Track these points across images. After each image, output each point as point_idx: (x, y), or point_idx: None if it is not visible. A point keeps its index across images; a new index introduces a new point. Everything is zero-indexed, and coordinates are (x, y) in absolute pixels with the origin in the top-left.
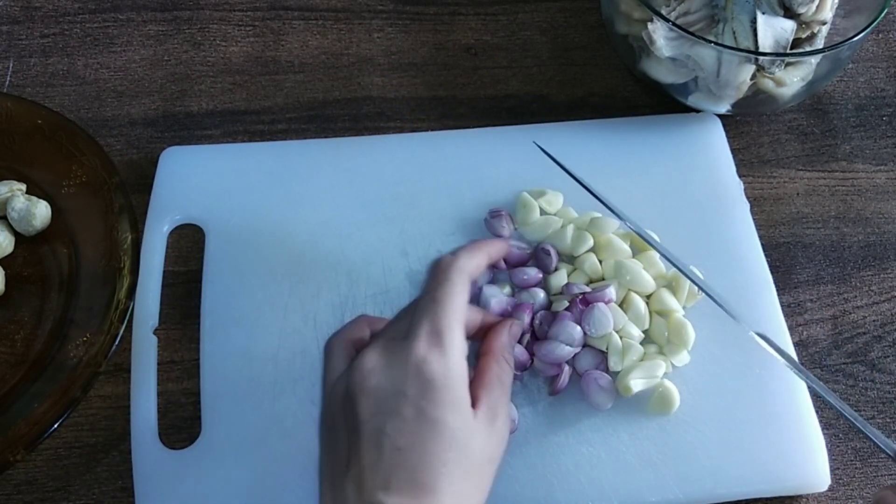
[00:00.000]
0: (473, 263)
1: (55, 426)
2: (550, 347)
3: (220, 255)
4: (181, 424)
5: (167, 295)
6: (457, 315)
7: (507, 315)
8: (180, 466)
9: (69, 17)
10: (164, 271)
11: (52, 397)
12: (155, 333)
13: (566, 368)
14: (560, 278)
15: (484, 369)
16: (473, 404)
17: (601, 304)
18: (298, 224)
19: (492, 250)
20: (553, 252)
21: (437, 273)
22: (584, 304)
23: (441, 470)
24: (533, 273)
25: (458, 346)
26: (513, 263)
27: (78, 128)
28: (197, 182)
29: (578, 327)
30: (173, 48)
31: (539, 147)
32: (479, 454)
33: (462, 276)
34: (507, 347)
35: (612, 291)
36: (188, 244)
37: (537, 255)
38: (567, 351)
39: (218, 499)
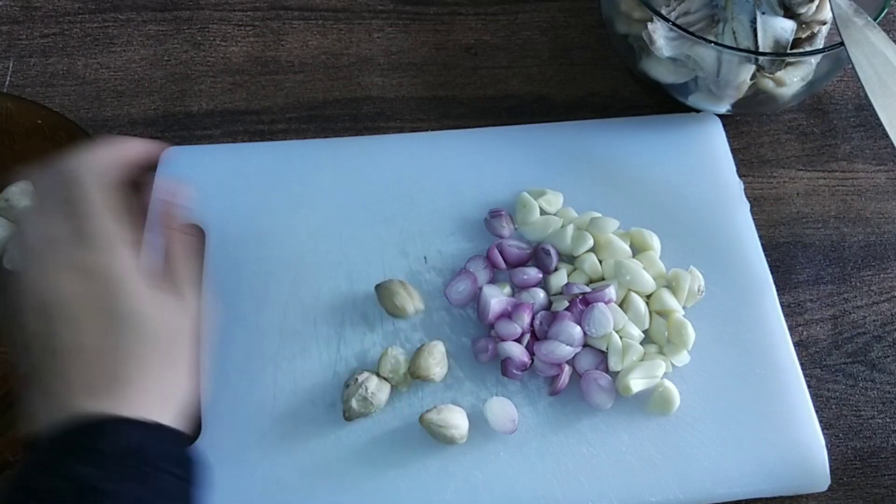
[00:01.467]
0: (102, 160)
1: None
2: (550, 347)
3: (221, 255)
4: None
5: None
6: (99, 209)
7: (506, 315)
8: None
9: (69, 17)
10: None
11: None
12: None
13: (566, 368)
14: (560, 278)
15: (164, 249)
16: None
17: (601, 304)
18: (298, 224)
19: (126, 147)
20: (553, 252)
21: (64, 177)
22: (583, 304)
23: (129, 359)
24: (533, 273)
25: (111, 237)
26: (513, 263)
27: (78, 128)
28: (197, 182)
29: (578, 327)
30: (173, 48)
31: None
32: (163, 331)
33: (89, 173)
34: (166, 215)
35: (611, 291)
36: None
37: (537, 255)
38: (567, 351)
39: (218, 499)
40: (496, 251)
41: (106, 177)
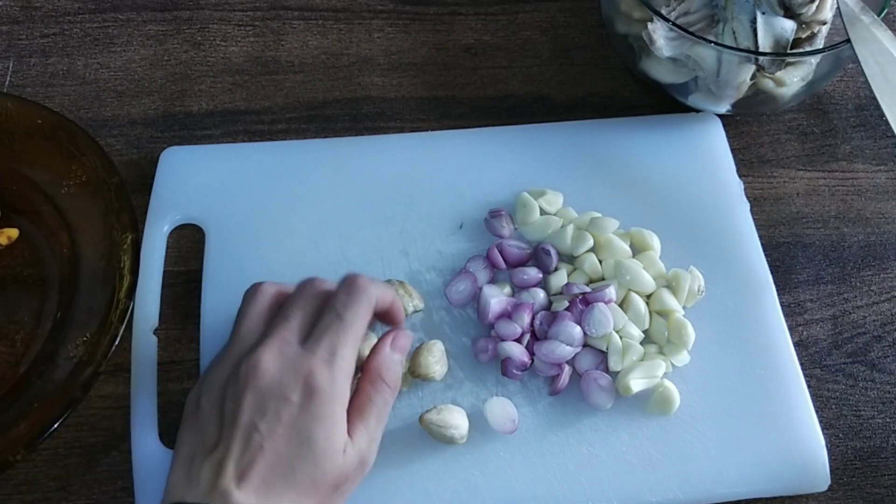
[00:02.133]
0: (383, 297)
1: (55, 426)
2: (550, 347)
3: (220, 255)
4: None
5: (167, 295)
6: (356, 339)
7: (506, 315)
8: None
9: (69, 17)
10: (164, 271)
11: (51, 397)
12: (155, 333)
13: (566, 368)
14: (560, 278)
15: (358, 390)
16: (348, 427)
17: (601, 304)
18: (298, 224)
19: (397, 304)
20: (553, 252)
21: (350, 291)
22: (584, 304)
23: (291, 478)
24: (533, 273)
25: (345, 369)
26: (513, 263)
27: (78, 128)
28: (197, 182)
29: (578, 327)
30: (173, 48)
31: None
32: (331, 475)
33: (371, 303)
34: (384, 366)
35: (611, 291)
36: (188, 244)
37: (537, 255)
38: (567, 351)
39: None
40: (496, 251)
41: (373, 311)
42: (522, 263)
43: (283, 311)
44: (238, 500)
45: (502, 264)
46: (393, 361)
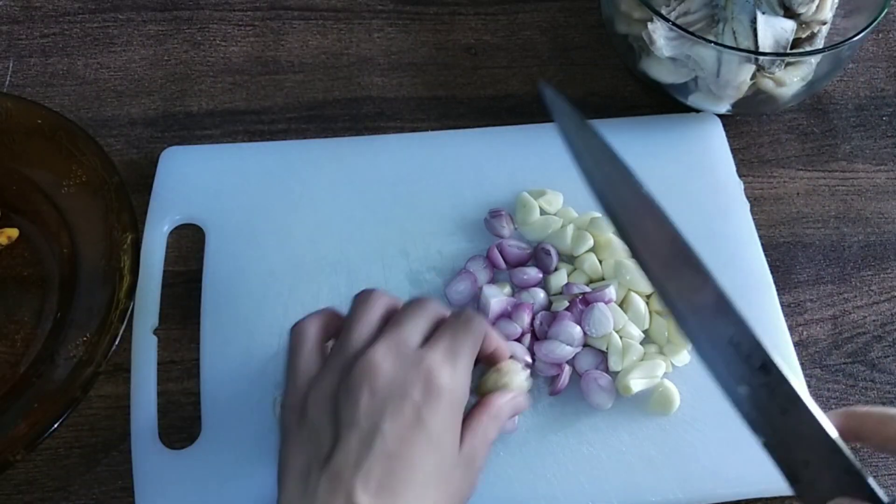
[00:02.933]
0: (490, 335)
1: (55, 426)
2: (550, 347)
3: (220, 255)
4: (181, 424)
5: (167, 295)
6: (475, 347)
7: (506, 315)
8: (180, 466)
9: (69, 17)
10: (164, 271)
11: (51, 397)
12: (155, 333)
13: (566, 368)
14: (560, 278)
15: (475, 416)
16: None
17: (601, 304)
18: (298, 224)
19: (502, 347)
20: (553, 252)
21: (464, 317)
22: (583, 303)
23: (419, 481)
24: (533, 273)
25: (466, 372)
26: (513, 263)
27: (78, 128)
28: (197, 182)
29: (578, 327)
30: (173, 48)
31: (545, 90)
32: (454, 483)
33: (481, 335)
34: (504, 411)
35: (612, 291)
36: (188, 244)
37: (537, 255)
38: (567, 351)
39: (218, 499)
40: (496, 251)
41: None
42: (522, 263)
43: (397, 318)
44: None
45: (502, 264)
46: (509, 413)
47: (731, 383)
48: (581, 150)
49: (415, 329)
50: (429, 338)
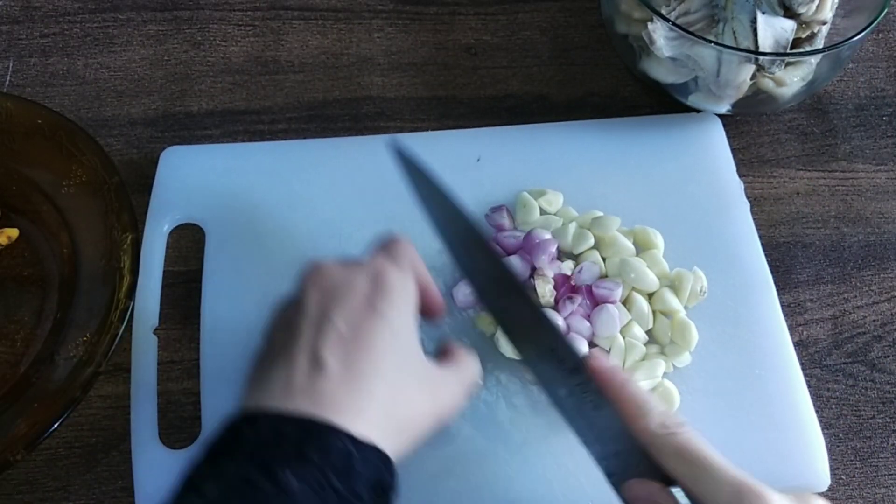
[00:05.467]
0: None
1: (55, 426)
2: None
3: (220, 255)
4: (181, 424)
5: (167, 295)
6: (414, 262)
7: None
8: (180, 466)
9: (69, 17)
10: (164, 271)
11: (51, 397)
12: (155, 333)
13: None
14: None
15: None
16: (444, 354)
17: (610, 306)
18: (298, 224)
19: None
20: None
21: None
22: (590, 298)
23: (382, 368)
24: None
25: (412, 279)
26: (511, 253)
27: (78, 128)
28: (197, 182)
29: (587, 323)
30: (173, 48)
31: (396, 151)
32: (431, 386)
33: (413, 250)
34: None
35: (619, 291)
36: (188, 244)
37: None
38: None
39: None
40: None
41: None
42: (514, 252)
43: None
44: (322, 389)
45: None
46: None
47: (553, 386)
48: (428, 201)
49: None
50: None
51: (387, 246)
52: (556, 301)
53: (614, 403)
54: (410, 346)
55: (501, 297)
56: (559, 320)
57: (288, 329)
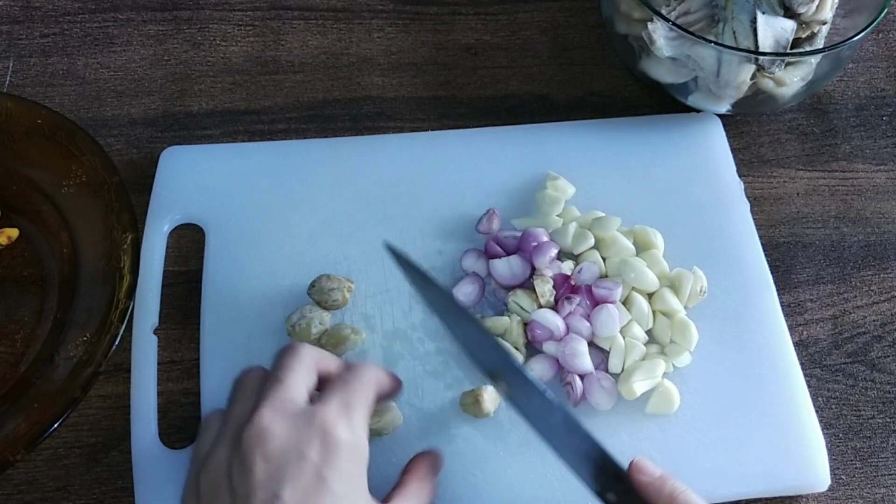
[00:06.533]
0: (383, 380)
1: (55, 426)
2: (574, 349)
3: (220, 254)
4: (181, 424)
5: (167, 295)
6: (370, 395)
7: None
8: (180, 466)
9: (69, 17)
10: (164, 271)
11: (51, 397)
12: (155, 333)
13: (578, 383)
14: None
15: (407, 482)
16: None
17: (610, 306)
18: (298, 223)
19: (395, 386)
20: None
21: (351, 366)
22: (590, 298)
23: None
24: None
25: (363, 423)
26: (510, 251)
27: (78, 128)
28: (197, 181)
29: (587, 322)
30: (173, 48)
31: (389, 248)
32: None
33: (373, 383)
34: (432, 474)
35: (619, 291)
36: (188, 244)
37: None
38: (587, 364)
39: None
40: (493, 243)
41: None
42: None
43: (274, 374)
44: None
45: (502, 254)
46: (435, 475)
47: (600, 491)
48: (425, 293)
49: (297, 383)
50: (319, 388)
51: (343, 380)
52: (556, 301)
53: None
54: None
55: (518, 392)
56: (559, 321)
57: (232, 500)
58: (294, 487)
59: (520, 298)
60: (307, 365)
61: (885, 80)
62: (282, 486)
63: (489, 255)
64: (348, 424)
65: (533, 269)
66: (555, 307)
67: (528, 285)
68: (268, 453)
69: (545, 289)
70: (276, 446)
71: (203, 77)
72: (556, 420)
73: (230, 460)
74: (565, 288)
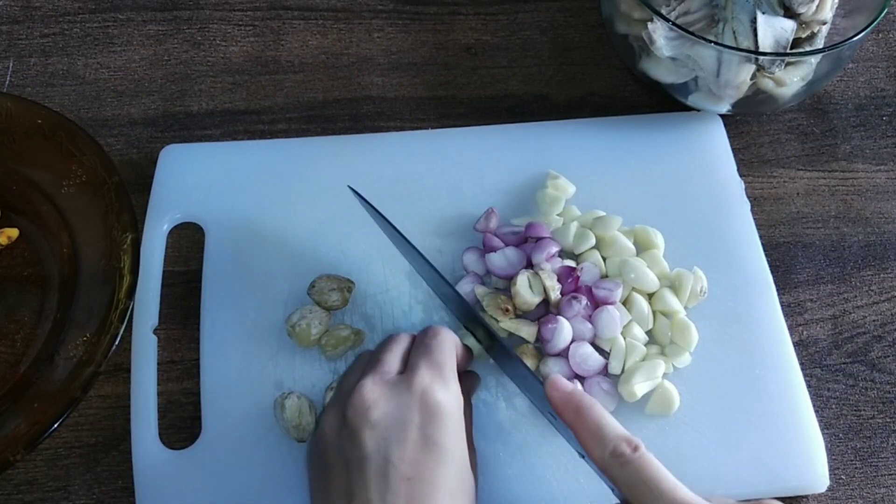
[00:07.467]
0: (457, 344)
1: (55, 426)
2: (584, 354)
3: (220, 254)
4: (181, 424)
5: (167, 295)
6: (453, 355)
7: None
8: (180, 466)
9: (69, 17)
10: (164, 271)
11: (51, 397)
12: (155, 333)
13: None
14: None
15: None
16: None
17: (610, 307)
18: (298, 223)
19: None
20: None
21: (428, 331)
22: (591, 299)
23: (444, 498)
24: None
25: (455, 382)
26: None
27: (78, 127)
28: (197, 181)
29: (589, 324)
30: (173, 48)
31: (352, 190)
32: (473, 488)
33: (453, 344)
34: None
35: (619, 291)
36: (188, 244)
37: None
38: (599, 363)
39: (218, 499)
40: (492, 235)
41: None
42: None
43: (374, 354)
44: None
45: (501, 246)
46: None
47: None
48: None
49: (392, 358)
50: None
51: (426, 346)
52: (562, 294)
53: (571, 431)
54: (464, 468)
55: (473, 325)
56: (566, 331)
57: (347, 471)
58: (402, 448)
59: (492, 310)
60: (401, 343)
61: (885, 80)
62: (391, 451)
63: (487, 249)
64: (443, 385)
65: (529, 261)
66: (559, 303)
67: (507, 289)
68: (373, 421)
69: (548, 283)
70: (379, 414)
71: (203, 77)
72: (522, 371)
73: (340, 430)
74: (573, 280)
